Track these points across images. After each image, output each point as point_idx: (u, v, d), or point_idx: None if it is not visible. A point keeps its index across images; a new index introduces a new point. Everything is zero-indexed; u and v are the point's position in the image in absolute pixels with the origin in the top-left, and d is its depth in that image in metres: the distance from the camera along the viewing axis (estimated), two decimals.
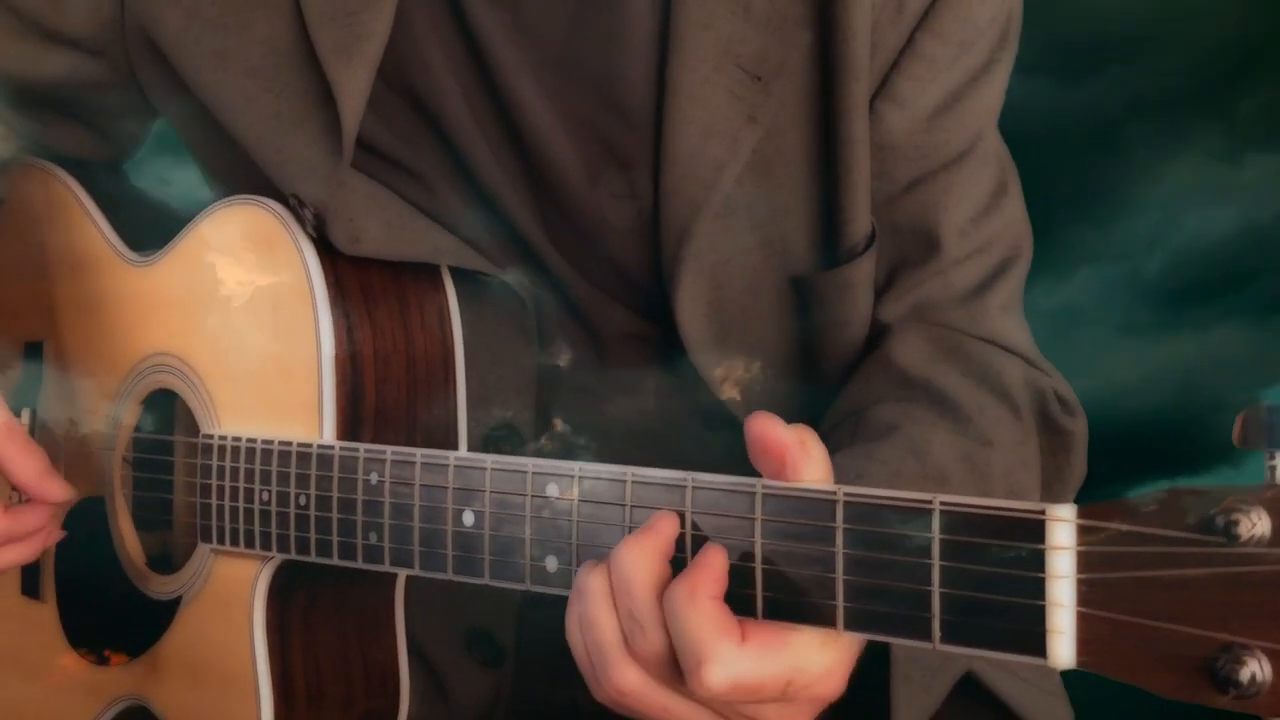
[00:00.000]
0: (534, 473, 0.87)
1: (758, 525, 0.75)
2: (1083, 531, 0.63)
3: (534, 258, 1.14)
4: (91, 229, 1.25)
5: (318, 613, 1.11)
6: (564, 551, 0.85)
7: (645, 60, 1.09)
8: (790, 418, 1.14)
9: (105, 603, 1.23)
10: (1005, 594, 0.65)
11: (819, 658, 0.73)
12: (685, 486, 0.79)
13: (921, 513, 0.68)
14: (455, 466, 0.92)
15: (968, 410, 1.03)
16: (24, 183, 1.32)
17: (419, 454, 0.94)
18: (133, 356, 1.19)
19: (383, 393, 1.06)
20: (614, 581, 0.77)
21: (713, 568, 0.74)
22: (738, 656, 0.72)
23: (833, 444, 0.89)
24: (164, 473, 1.19)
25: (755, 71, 1.08)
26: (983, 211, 1.12)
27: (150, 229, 1.24)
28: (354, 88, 1.06)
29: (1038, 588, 0.64)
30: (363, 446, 0.98)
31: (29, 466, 1.09)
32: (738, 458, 1.14)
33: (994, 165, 1.15)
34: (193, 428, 1.18)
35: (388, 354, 1.06)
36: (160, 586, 1.17)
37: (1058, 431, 1.08)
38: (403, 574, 0.99)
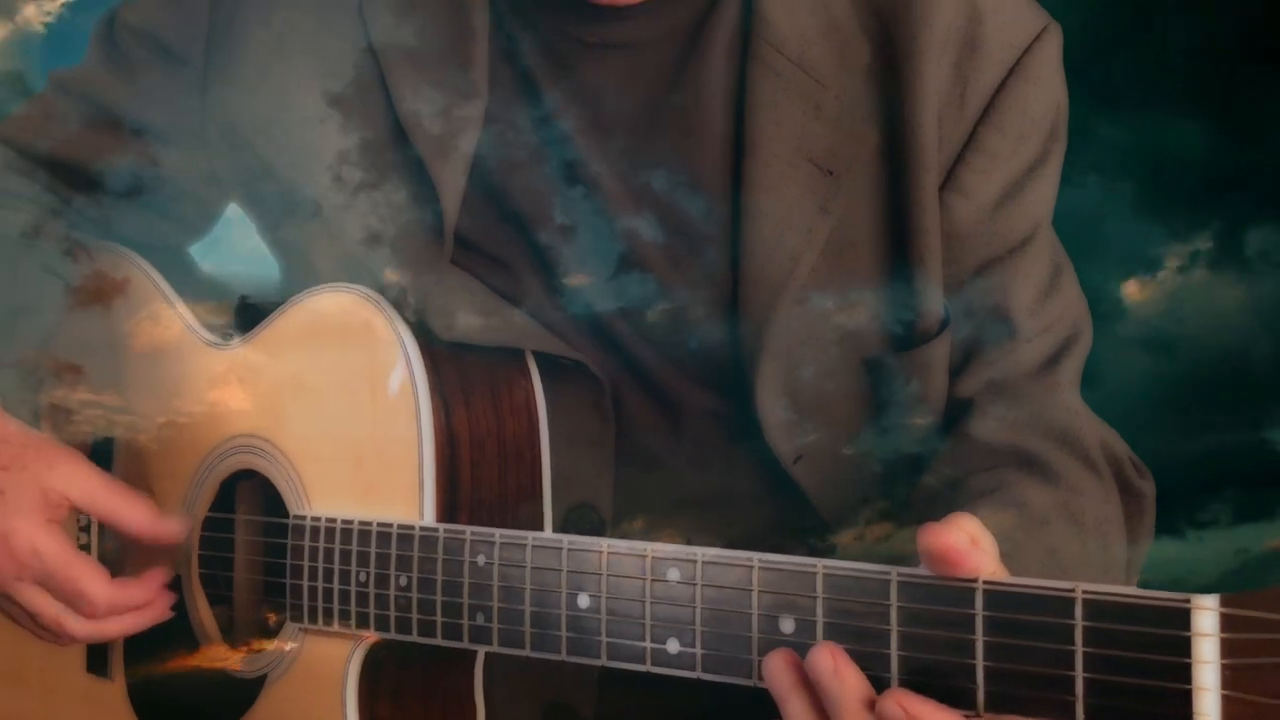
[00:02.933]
0: (654, 557, 0.90)
1: (894, 611, 0.79)
2: (1226, 619, 0.67)
3: (612, 340, 1.18)
4: (169, 311, 1.27)
5: (405, 691, 1.13)
6: (687, 634, 0.88)
7: (721, 155, 1.15)
8: (862, 495, 1.19)
9: (179, 680, 1.24)
10: (1149, 678, 0.69)
11: None
12: (815, 573, 0.82)
13: (1063, 601, 0.72)
14: (569, 550, 0.95)
15: (1055, 468, 1.08)
16: (95, 266, 1.34)
17: (530, 537, 0.97)
18: (214, 437, 1.21)
19: (477, 474, 1.09)
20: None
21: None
22: None
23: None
24: (244, 552, 1.20)
25: (827, 166, 1.13)
26: (1046, 292, 1.18)
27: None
28: (453, 184, 1.11)
29: (1183, 673, 0.68)
30: (469, 529, 1.01)
31: (139, 515, 1.15)
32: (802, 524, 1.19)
33: (1049, 250, 1.21)
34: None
35: (482, 437, 1.09)
36: (245, 665, 1.18)
37: (1133, 493, 1.14)
38: (508, 652, 1.01)
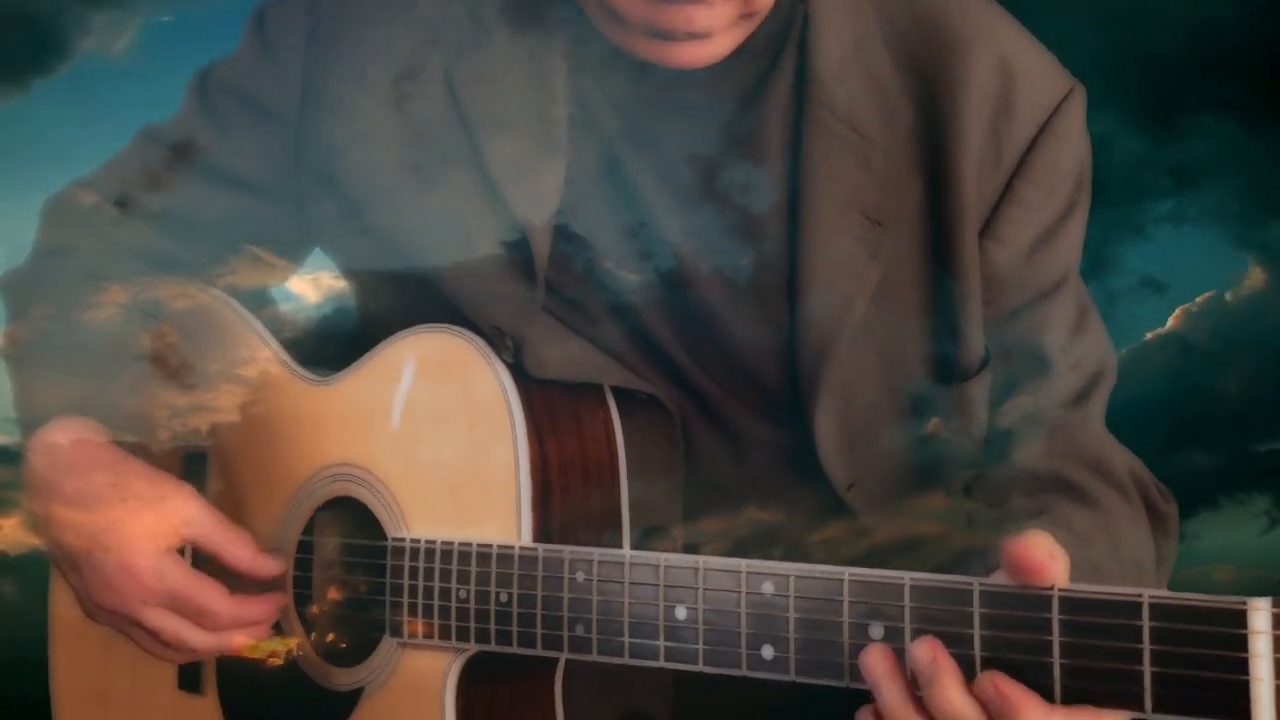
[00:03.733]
0: (749, 572, 1.00)
1: (976, 616, 0.89)
2: (1279, 618, 0.78)
3: (680, 375, 1.28)
4: (262, 349, 1.36)
5: (496, 701, 1.22)
6: (780, 641, 0.98)
7: (779, 209, 1.25)
8: (903, 517, 1.29)
9: (272, 695, 1.33)
10: (1210, 671, 0.80)
11: None
12: (903, 584, 0.92)
13: (1132, 605, 0.83)
14: (666, 567, 1.05)
15: (1094, 495, 1.19)
16: (184, 306, 1.43)
17: (628, 556, 1.07)
18: (310, 466, 1.30)
19: (566, 498, 1.18)
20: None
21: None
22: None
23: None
24: (341, 573, 1.29)
25: (876, 217, 1.24)
26: (1075, 332, 1.29)
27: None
28: (543, 236, 1.21)
29: (1242, 666, 0.79)
30: (568, 548, 1.11)
31: (242, 551, 1.25)
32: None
33: (1077, 293, 1.33)
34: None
35: (569, 463, 1.19)
36: (342, 679, 1.27)
37: (1159, 515, 1.25)
38: (606, 661, 1.10)
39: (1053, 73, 1.28)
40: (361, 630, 1.27)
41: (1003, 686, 0.86)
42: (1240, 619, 0.79)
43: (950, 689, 0.88)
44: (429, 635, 1.19)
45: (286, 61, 1.34)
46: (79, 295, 1.38)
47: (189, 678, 1.40)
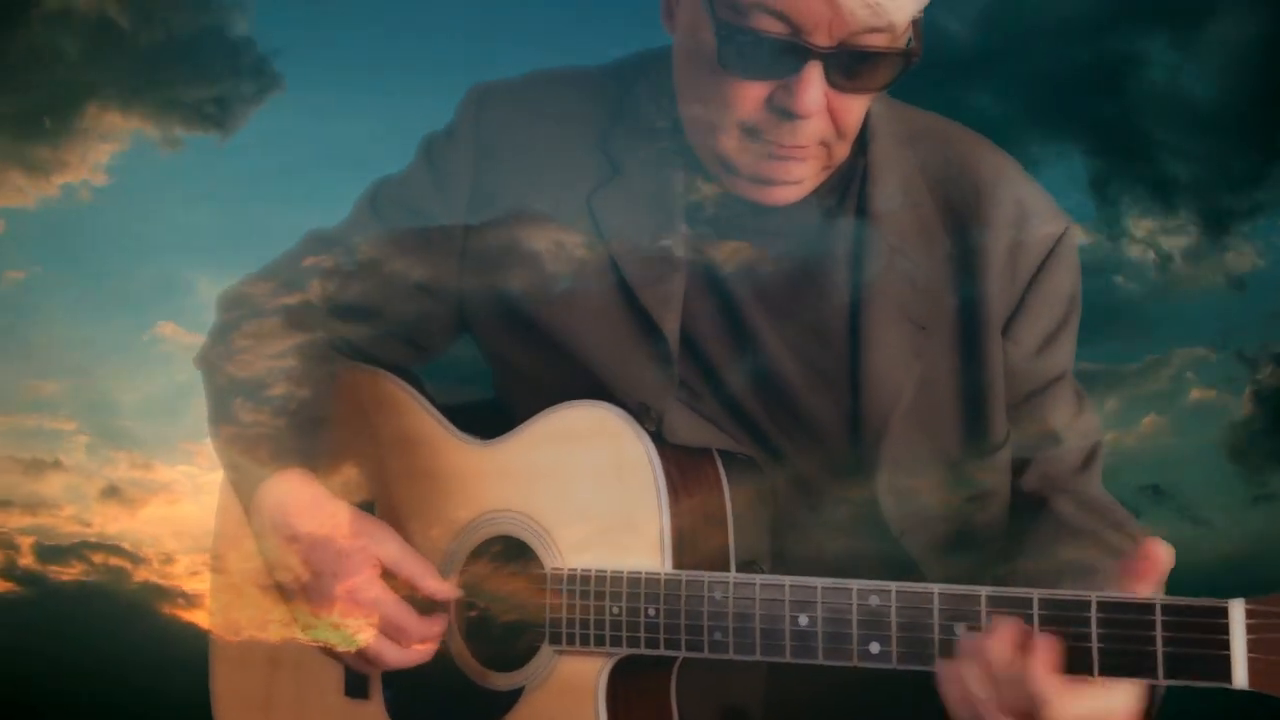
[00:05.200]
0: (859, 589, 1.36)
1: (1035, 617, 1.26)
2: (1249, 612, 1.16)
3: (768, 443, 1.64)
4: (425, 417, 1.69)
5: (630, 695, 1.55)
6: (885, 639, 1.34)
7: (844, 315, 1.62)
8: (945, 557, 1.66)
9: (435, 698, 1.64)
10: (1203, 649, 1.17)
11: (1120, 701, 1.24)
12: (979, 595, 1.29)
13: (1148, 605, 1.20)
14: (790, 586, 1.40)
15: (1111, 544, 1.56)
16: (352, 380, 1.75)
17: (758, 579, 1.42)
18: (471, 511, 1.63)
19: (691, 536, 1.53)
20: (992, 667, 1.26)
21: (1051, 647, 1.24)
22: (1068, 701, 1.23)
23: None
24: (502, 596, 1.62)
25: (919, 322, 1.61)
26: (1075, 413, 1.68)
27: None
28: (673, 329, 1.57)
29: (1224, 644, 1.17)
30: (706, 574, 1.45)
31: (432, 580, 1.55)
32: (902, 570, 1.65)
33: (1073, 383, 1.71)
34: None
35: (694, 509, 1.54)
36: (502, 681, 1.59)
37: None
38: (741, 659, 1.44)
39: (1055, 213, 1.67)
40: (517, 641, 1.60)
41: (1049, 651, 1.23)
42: (1222, 613, 1.17)
43: (1001, 640, 1.24)
44: (586, 643, 1.52)
45: (454, 187, 1.68)
46: (259, 369, 1.69)
47: (356, 684, 1.70)
